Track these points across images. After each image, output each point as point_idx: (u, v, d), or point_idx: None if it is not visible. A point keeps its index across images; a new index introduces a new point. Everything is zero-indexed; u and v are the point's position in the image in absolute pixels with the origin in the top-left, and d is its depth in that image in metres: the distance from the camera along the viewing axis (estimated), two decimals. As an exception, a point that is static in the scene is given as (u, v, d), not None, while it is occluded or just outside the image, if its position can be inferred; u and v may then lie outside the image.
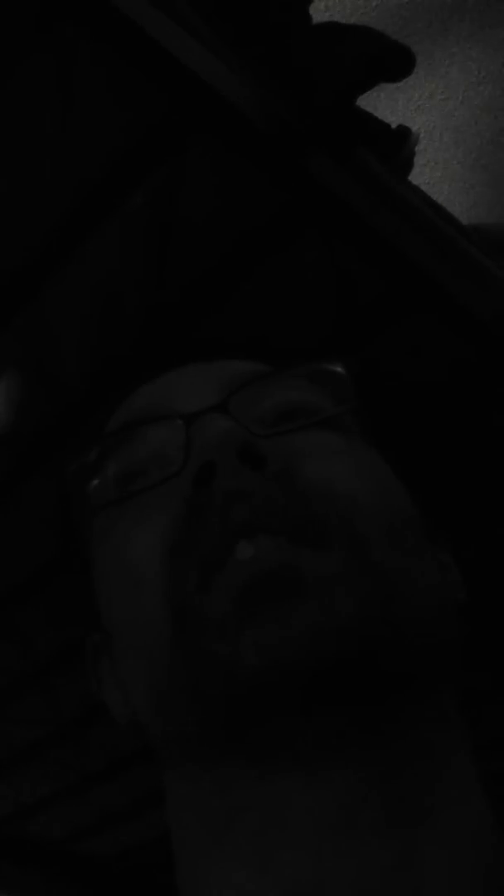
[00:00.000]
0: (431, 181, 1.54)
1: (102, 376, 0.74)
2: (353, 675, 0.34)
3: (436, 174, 1.54)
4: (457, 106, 1.48)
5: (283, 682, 0.33)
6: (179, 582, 0.37)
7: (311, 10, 0.73)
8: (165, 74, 0.56)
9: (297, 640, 0.33)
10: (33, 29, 0.53)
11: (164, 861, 0.43)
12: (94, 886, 1.83)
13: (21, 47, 0.54)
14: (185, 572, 0.37)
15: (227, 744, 0.36)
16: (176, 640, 0.36)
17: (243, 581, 0.34)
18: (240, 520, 0.36)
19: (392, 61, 0.63)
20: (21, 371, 0.73)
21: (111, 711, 0.46)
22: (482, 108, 1.50)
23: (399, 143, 0.76)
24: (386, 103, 1.44)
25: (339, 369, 0.45)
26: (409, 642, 0.36)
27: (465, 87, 1.46)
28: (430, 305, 0.74)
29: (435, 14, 1.38)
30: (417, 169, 0.85)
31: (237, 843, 0.36)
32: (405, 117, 1.47)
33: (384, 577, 0.36)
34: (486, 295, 0.76)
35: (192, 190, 0.63)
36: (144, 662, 0.38)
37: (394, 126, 0.78)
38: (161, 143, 0.60)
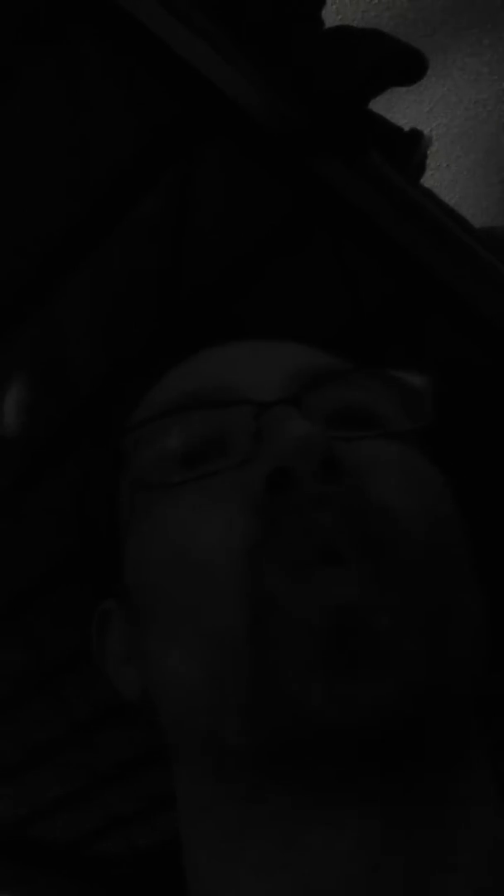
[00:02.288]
0: (443, 184, 1.53)
1: (113, 379, 0.74)
2: (415, 734, 0.33)
3: (447, 177, 1.53)
4: (468, 108, 1.48)
5: (353, 736, 0.32)
6: (259, 590, 0.35)
7: (322, 14, 0.73)
8: (176, 78, 0.56)
9: (381, 699, 0.32)
10: (42, 34, 0.53)
11: (172, 863, 0.43)
12: (102, 887, 1.83)
13: (30, 53, 0.54)
14: (265, 579, 0.35)
15: (268, 768, 0.35)
16: (255, 656, 0.34)
17: (325, 623, 0.33)
18: (319, 535, 0.35)
19: (404, 65, 0.63)
20: (32, 374, 0.74)
21: (115, 683, 0.45)
22: (493, 111, 1.49)
23: (411, 146, 0.76)
24: (397, 106, 1.44)
25: (417, 381, 0.43)
26: (458, 692, 0.35)
27: (477, 89, 1.45)
28: (440, 307, 0.74)
29: (446, 16, 1.38)
30: (428, 172, 0.84)
31: (256, 856, 0.35)
32: (416, 120, 1.47)
33: (441, 616, 0.35)
34: (496, 297, 0.76)
35: (202, 193, 0.63)
36: (205, 656, 0.36)
37: (406, 129, 0.78)
38: (172, 147, 0.60)
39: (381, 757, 0.33)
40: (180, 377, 0.45)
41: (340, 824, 0.34)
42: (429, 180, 0.85)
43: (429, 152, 0.81)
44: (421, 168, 0.79)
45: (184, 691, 0.37)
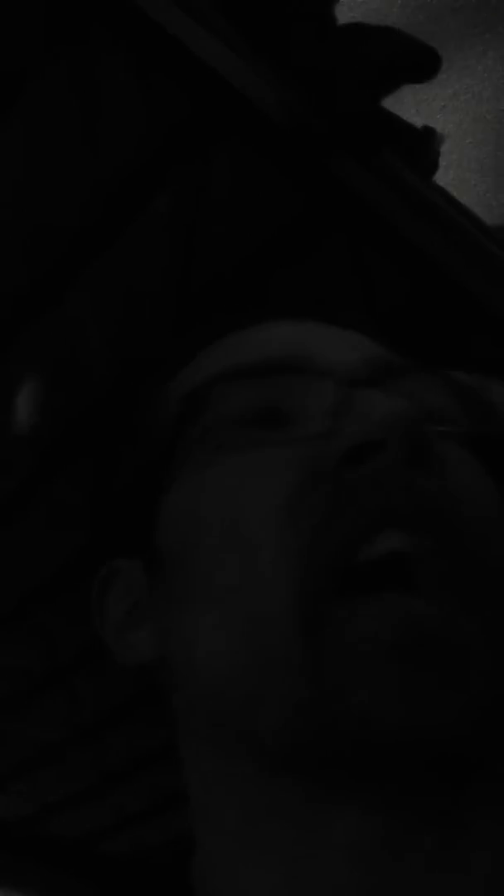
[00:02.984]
0: (456, 182, 1.53)
1: (126, 378, 0.74)
2: (481, 751, 0.32)
3: (460, 175, 1.53)
4: (481, 106, 1.47)
5: (422, 753, 0.31)
6: (311, 571, 0.33)
7: (335, 11, 0.73)
8: (190, 76, 0.56)
9: (457, 717, 0.31)
10: (56, 34, 0.53)
11: (181, 861, 0.42)
12: (112, 885, 1.83)
13: (44, 52, 0.54)
14: (319, 556, 0.33)
15: (313, 768, 0.33)
16: (312, 658, 0.32)
17: (400, 626, 0.31)
18: (395, 514, 0.33)
19: (417, 62, 0.62)
20: (45, 373, 0.74)
21: (114, 647, 0.42)
22: (507, 109, 1.49)
23: (424, 144, 0.75)
24: (410, 104, 1.43)
25: (470, 381, 0.42)
26: None
27: (491, 87, 1.45)
28: (454, 307, 0.73)
29: (459, 13, 1.37)
30: (442, 170, 0.84)
31: (271, 843, 0.34)
32: (429, 118, 1.47)
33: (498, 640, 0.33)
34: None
35: (216, 193, 0.63)
36: (253, 641, 0.34)
37: (419, 127, 0.78)
38: (186, 146, 0.60)
39: (446, 775, 0.32)
40: (259, 341, 0.43)
41: (362, 823, 0.33)
42: (440, 178, 0.84)
43: (441, 150, 0.80)
44: (434, 166, 0.78)
45: (219, 673, 0.35)
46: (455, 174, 1.52)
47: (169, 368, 0.44)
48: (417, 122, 0.78)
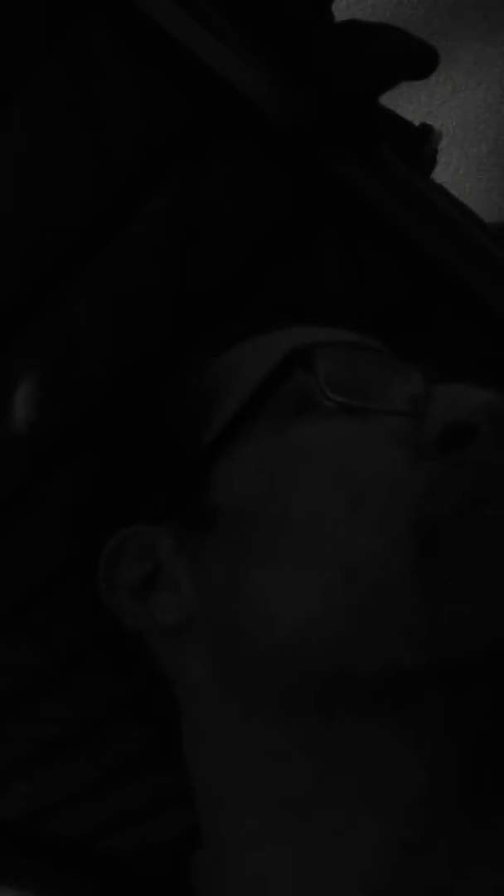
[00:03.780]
0: (454, 179, 1.53)
1: (123, 378, 0.74)
2: None
3: (459, 172, 1.53)
4: (480, 103, 1.47)
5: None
6: (424, 516, 0.35)
7: (333, 8, 0.73)
8: (187, 74, 0.55)
9: None
10: (53, 33, 0.53)
11: (183, 860, 0.42)
12: (112, 883, 1.83)
13: (41, 52, 0.54)
14: (433, 512, 0.35)
15: (401, 695, 0.33)
16: (426, 585, 0.34)
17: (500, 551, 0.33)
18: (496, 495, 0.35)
19: (415, 59, 0.62)
20: (42, 371, 0.74)
21: (125, 614, 0.42)
22: (501, 107, 1.49)
23: (421, 141, 0.75)
24: (407, 100, 1.43)
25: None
26: None
27: (489, 84, 1.45)
28: (454, 306, 0.73)
29: (457, 10, 1.37)
30: (440, 167, 0.84)
31: (309, 820, 0.34)
32: (427, 114, 1.47)
33: None
34: (509, 294, 0.75)
35: (214, 191, 0.63)
36: (359, 582, 0.35)
37: (416, 124, 0.78)
38: (183, 145, 0.60)
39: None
40: (324, 331, 0.45)
41: (425, 774, 0.33)
42: (438, 176, 0.84)
43: (439, 147, 0.80)
44: (432, 163, 0.78)
45: (311, 619, 0.35)
46: (453, 171, 1.52)
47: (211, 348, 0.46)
48: (415, 119, 0.78)
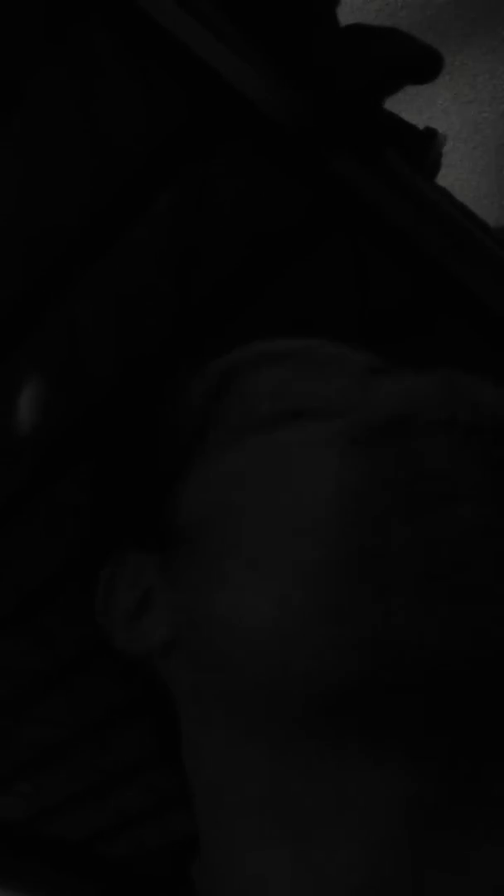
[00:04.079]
0: (458, 183, 1.53)
1: (127, 379, 0.74)
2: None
3: (462, 176, 1.53)
4: (483, 108, 1.47)
5: (473, 675, 0.32)
6: (362, 524, 0.34)
7: (337, 11, 0.73)
8: (191, 76, 0.56)
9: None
10: (55, 34, 0.53)
11: (184, 863, 0.42)
12: (113, 886, 1.83)
13: (43, 52, 0.54)
14: (368, 515, 0.34)
15: (369, 706, 0.33)
16: (360, 589, 0.33)
17: (454, 544, 0.32)
18: (441, 475, 0.34)
19: (419, 63, 0.62)
20: (46, 373, 0.74)
21: (123, 640, 0.43)
22: (508, 110, 1.49)
23: (426, 145, 0.75)
24: (411, 105, 1.43)
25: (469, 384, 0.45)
26: None
27: (492, 88, 1.45)
28: (457, 308, 0.73)
29: (460, 15, 1.37)
30: (444, 171, 0.84)
31: (297, 823, 0.34)
32: (431, 119, 1.47)
33: None
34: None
35: (217, 192, 0.63)
36: (307, 588, 0.34)
37: (420, 127, 0.77)
38: (187, 146, 0.60)
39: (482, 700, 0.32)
40: (278, 342, 0.45)
41: (400, 780, 0.33)
42: (443, 179, 0.84)
43: (443, 151, 0.80)
44: (436, 167, 0.78)
45: (268, 629, 0.35)
46: (457, 175, 1.52)
47: (180, 377, 0.46)
48: (419, 122, 0.78)
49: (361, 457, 0.36)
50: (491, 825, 0.33)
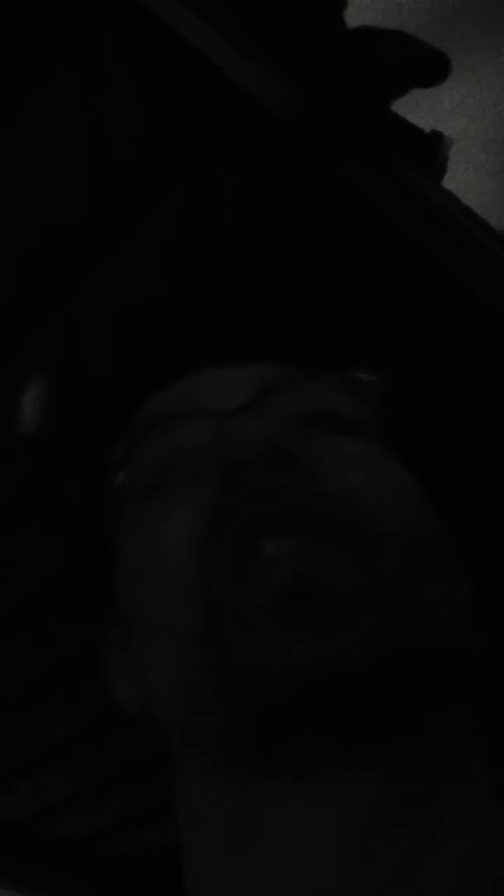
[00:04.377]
0: (463, 186, 1.52)
1: (131, 379, 0.74)
2: (378, 690, 0.34)
3: (468, 179, 1.52)
4: (487, 110, 1.47)
5: (318, 695, 0.34)
6: (210, 578, 0.37)
7: (344, 14, 0.73)
8: (196, 76, 0.55)
9: (334, 653, 0.33)
10: (59, 34, 0.53)
11: (181, 863, 0.43)
12: (113, 886, 1.83)
13: (47, 52, 0.54)
14: (214, 568, 0.37)
15: (256, 751, 0.36)
16: (209, 637, 0.36)
17: (273, 585, 0.35)
18: (265, 519, 0.37)
19: (426, 66, 0.62)
20: (50, 373, 0.74)
21: (116, 698, 0.47)
22: (515, 113, 1.48)
23: (432, 148, 0.75)
24: (417, 107, 1.43)
25: (367, 377, 0.45)
26: (426, 656, 0.36)
27: (499, 91, 1.45)
28: (461, 309, 0.73)
29: (467, 17, 1.37)
30: (449, 173, 0.84)
31: (256, 850, 0.36)
32: (436, 122, 1.46)
33: (401, 588, 0.36)
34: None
35: (223, 194, 0.63)
36: (172, 657, 0.38)
37: (426, 130, 0.77)
38: (191, 146, 0.60)
39: (357, 714, 0.34)
40: (158, 398, 0.48)
41: (332, 799, 0.34)
42: (449, 182, 0.84)
43: (449, 154, 0.80)
44: (442, 170, 0.78)
45: (168, 696, 0.39)
46: (462, 178, 1.51)
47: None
48: (425, 125, 0.78)
49: (211, 533, 0.38)
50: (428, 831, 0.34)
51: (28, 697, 1.21)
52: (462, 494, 0.88)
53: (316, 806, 0.34)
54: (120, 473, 0.44)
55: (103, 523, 0.46)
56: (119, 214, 0.64)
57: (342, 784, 0.34)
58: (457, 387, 0.79)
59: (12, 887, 1.78)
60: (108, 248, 0.66)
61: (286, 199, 0.65)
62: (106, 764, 1.40)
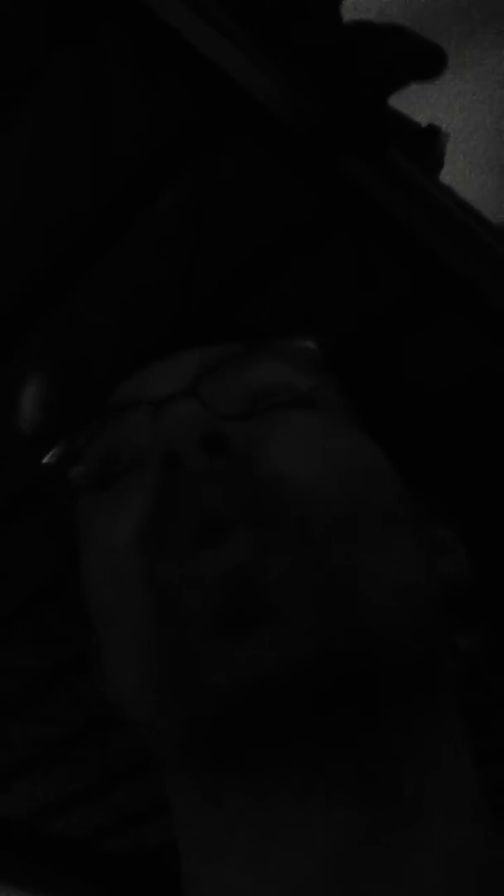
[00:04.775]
0: (461, 180, 1.52)
1: (131, 376, 0.74)
2: (329, 686, 0.34)
3: (466, 173, 1.52)
4: (485, 104, 1.47)
5: (268, 699, 0.33)
6: (155, 573, 0.36)
7: (342, 10, 0.73)
8: (197, 74, 0.55)
9: (269, 661, 0.33)
10: (62, 33, 0.53)
11: (178, 863, 0.43)
12: (114, 884, 1.83)
13: (50, 51, 0.54)
14: (158, 563, 0.36)
15: (214, 761, 0.35)
16: (161, 642, 0.35)
17: (215, 595, 0.34)
18: (203, 509, 0.36)
19: (424, 60, 0.62)
20: (51, 369, 0.74)
21: (116, 707, 0.46)
22: (511, 107, 1.48)
23: (429, 143, 0.75)
24: (414, 102, 1.43)
25: (308, 345, 0.44)
26: (379, 643, 0.35)
27: (495, 85, 1.44)
28: (459, 304, 0.73)
29: (464, 12, 1.37)
30: (447, 168, 0.84)
31: (235, 850, 0.36)
32: (433, 116, 1.46)
33: (343, 575, 0.35)
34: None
35: (222, 191, 0.63)
36: (129, 659, 0.38)
37: (423, 124, 0.77)
38: (192, 144, 0.60)
39: (310, 715, 0.33)
40: (114, 395, 0.48)
41: (304, 800, 0.34)
42: (446, 176, 0.84)
43: (446, 148, 0.80)
44: (439, 164, 0.78)
45: (126, 699, 0.39)
46: (459, 172, 1.51)
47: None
48: (422, 120, 0.78)
49: (153, 508, 0.38)
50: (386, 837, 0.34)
51: (29, 696, 1.21)
52: (462, 493, 0.88)
53: (278, 810, 0.34)
54: (74, 468, 0.44)
55: (69, 524, 0.46)
56: (120, 213, 0.63)
57: (307, 787, 0.33)
58: (455, 382, 0.79)
59: (14, 886, 1.78)
60: (108, 247, 0.65)
61: (286, 196, 0.65)
62: (107, 762, 1.40)
